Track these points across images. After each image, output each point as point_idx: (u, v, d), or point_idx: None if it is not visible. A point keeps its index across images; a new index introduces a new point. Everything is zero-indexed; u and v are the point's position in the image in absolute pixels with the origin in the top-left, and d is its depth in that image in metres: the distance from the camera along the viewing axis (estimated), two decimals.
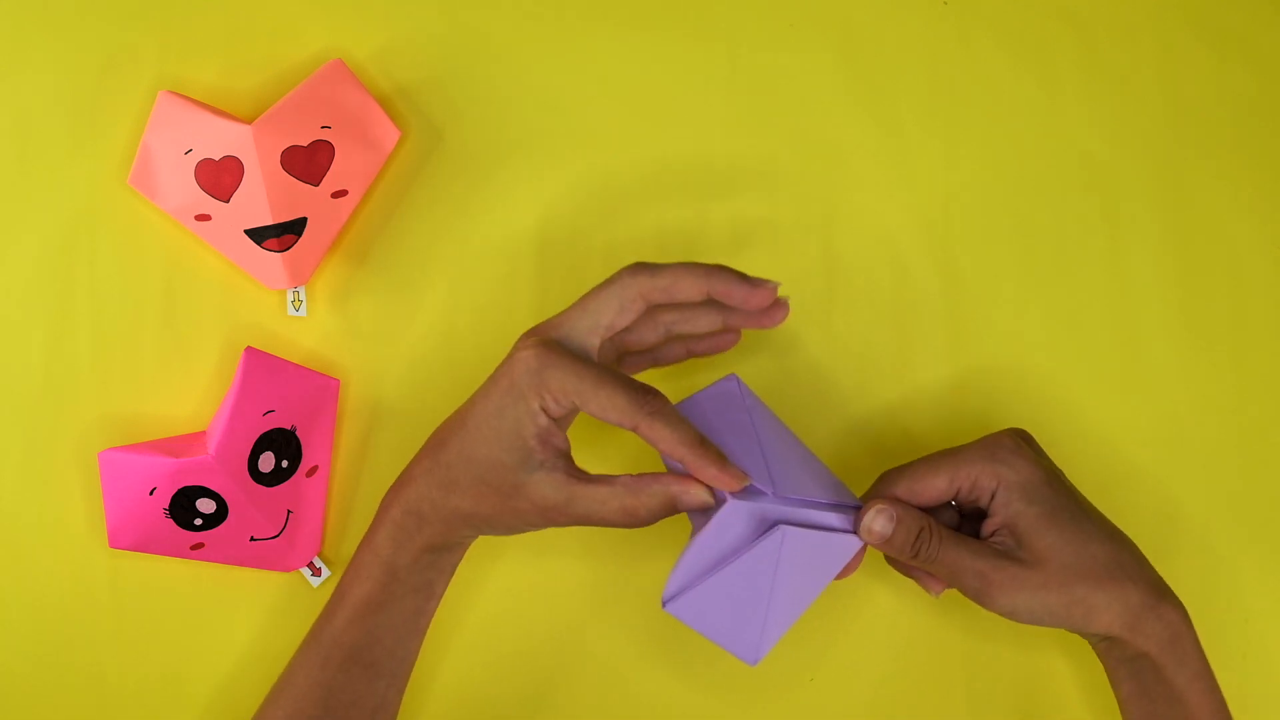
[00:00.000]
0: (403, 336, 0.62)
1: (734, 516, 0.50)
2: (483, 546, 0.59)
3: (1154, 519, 0.62)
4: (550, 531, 0.54)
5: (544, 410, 0.50)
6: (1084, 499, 0.55)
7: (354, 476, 0.62)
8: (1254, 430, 0.62)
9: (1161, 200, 0.63)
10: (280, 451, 0.59)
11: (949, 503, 0.55)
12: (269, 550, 0.60)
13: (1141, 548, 0.62)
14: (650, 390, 0.50)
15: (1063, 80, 0.63)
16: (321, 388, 0.60)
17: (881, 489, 0.55)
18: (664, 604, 0.51)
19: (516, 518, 0.52)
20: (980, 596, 0.52)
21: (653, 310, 0.55)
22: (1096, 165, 0.63)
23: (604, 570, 0.62)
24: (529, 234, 0.62)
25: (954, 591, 0.56)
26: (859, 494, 0.55)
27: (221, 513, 0.58)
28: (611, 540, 0.62)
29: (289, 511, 0.60)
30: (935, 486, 0.54)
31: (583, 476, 0.51)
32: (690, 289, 0.52)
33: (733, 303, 0.52)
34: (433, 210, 0.62)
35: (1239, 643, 0.62)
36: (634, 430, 0.49)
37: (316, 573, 0.61)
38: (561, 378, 0.50)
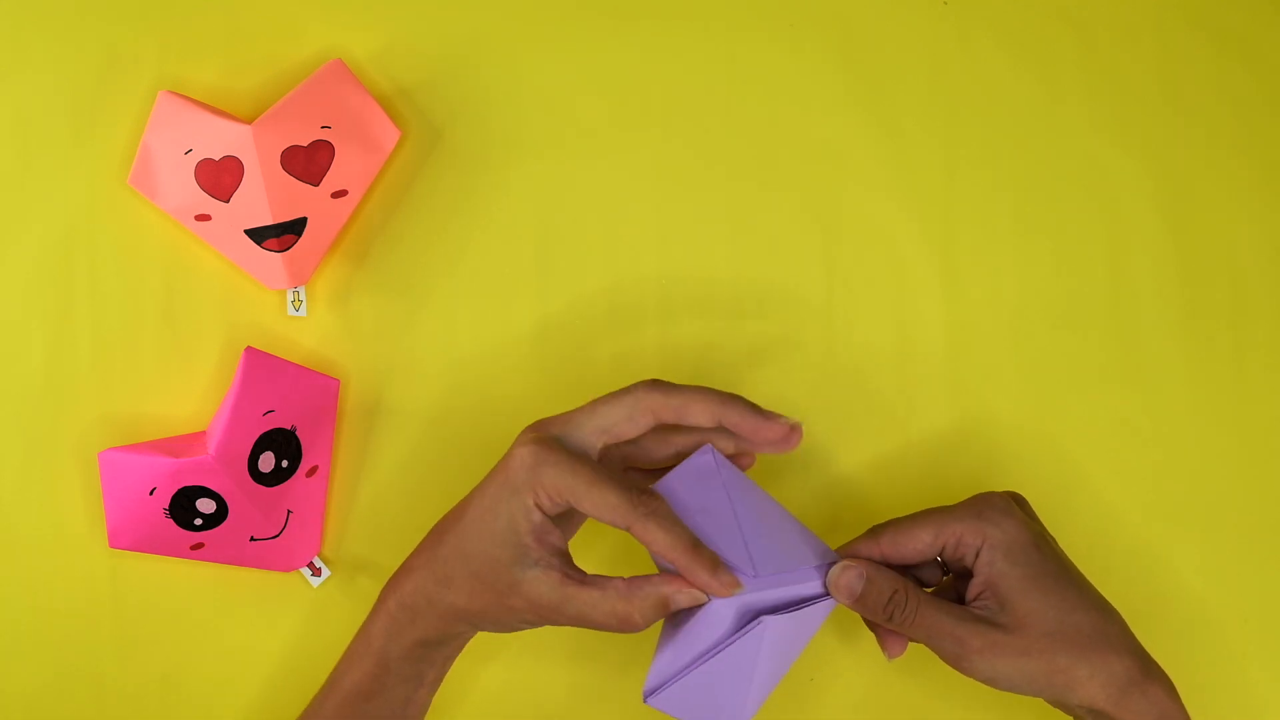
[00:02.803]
0: (403, 336, 0.62)
1: (719, 615, 0.50)
2: (472, 646, 0.58)
3: (1153, 519, 0.62)
4: (541, 632, 0.54)
5: (538, 507, 0.50)
6: (1072, 566, 0.54)
7: (354, 476, 0.62)
8: (1254, 430, 0.62)
9: (1161, 200, 0.63)
10: (280, 451, 0.59)
11: (935, 560, 0.55)
12: (269, 550, 0.60)
13: (1139, 548, 0.62)
14: (646, 491, 0.50)
15: (1063, 80, 0.63)
16: (321, 388, 0.60)
17: (867, 541, 0.54)
18: (645, 698, 0.51)
19: (511, 615, 0.51)
20: (958, 662, 0.51)
21: (666, 431, 0.54)
22: (1096, 165, 0.63)
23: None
24: (529, 234, 0.62)
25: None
26: (850, 535, 0.55)
27: (221, 513, 0.58)
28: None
29: (289, 511, 0.60)
30: (920, 540, 0.53)
31: (578, 577, 0.50)
32: (701, 414, 0.51)
33: (743, 435, 0.51)
34: (433, 210, 0.62)
35: (1238, 643, 0.62)
36: (628, 531, 0.49)
37: (316, 573, 0.61)
38: (556, 475, 0.50)
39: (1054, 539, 0.55)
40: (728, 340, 0.62)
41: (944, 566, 0.56)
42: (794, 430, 0.52)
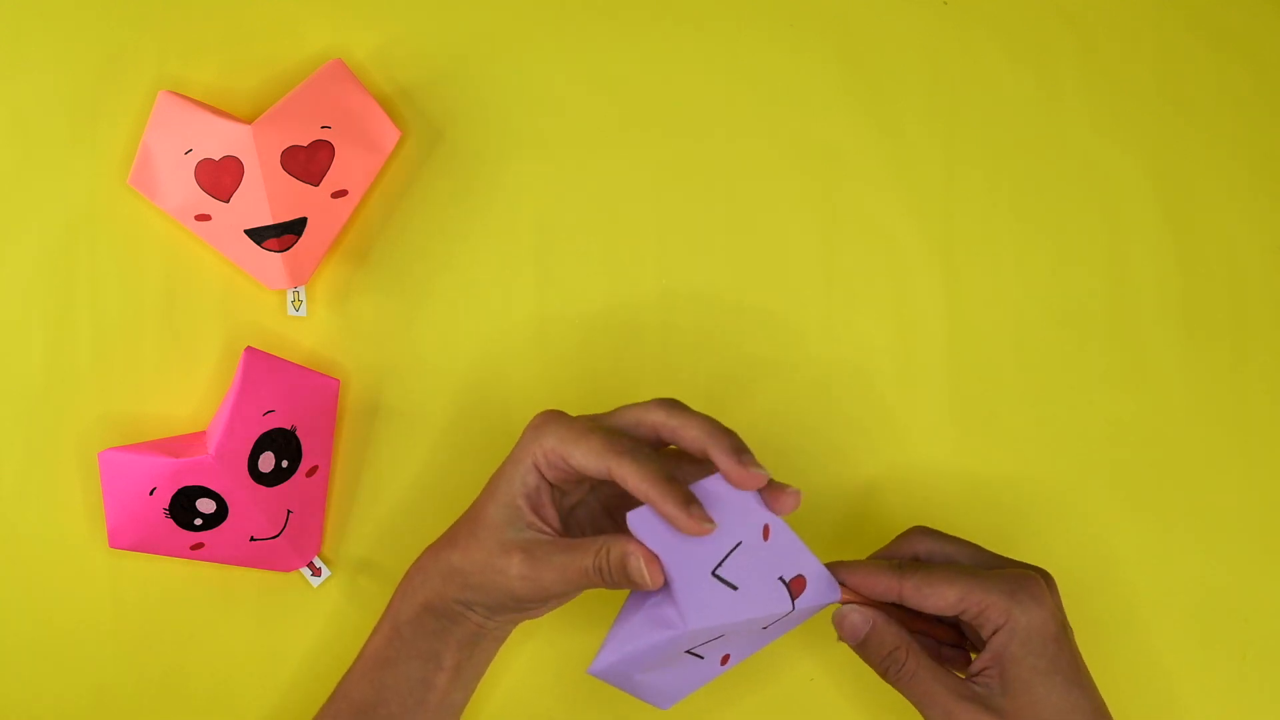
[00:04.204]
0: (403, 336, 0.62)
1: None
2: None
3: (1153, 519, 0.62)
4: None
5: (535, 467, 0.51)
6: (1083, 667, 0.53)
7: (354, 476, 0.62)
8: (1254, 430, 0.62)
9: (1161, 200, 0.63)
10: (280, 451, 0.59)
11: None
12: (269, 550, 0.60)
13: (1140, 547, 0.62)
14: (629, 437, 0.50)
15: (1063, 80, 0.63)
16: (321, 388, 0.60)
17: (890, 576, 0.53)
18: (590, 669, 0.51)
19: (491, 580, 0.51)
20: None
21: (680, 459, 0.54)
22: (1096, 165, 0.63)
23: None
24: (529, 234, 0.62)
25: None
26: (846, 542, 0.55)
27: (221, 513, 0.58)
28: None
29: (289, 511, 0.60)
30: (945, 597, 0.52)
31: (560, 541, 0.51)
32: (691, 442, 0.51)
33: (720, 471, 0.50)
34: (433, 210, 0.62)
35: (1238, 642, 0.62)
36: (609, 475, 0.49)
37: (316, 573, 0.61)
38: (555, 432, 0.51)
39: (1073, 633, 0.53)
40: (728, 340, 0.62)
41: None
42: (789, 494, 0.50)
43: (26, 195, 0.62)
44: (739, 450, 0.50)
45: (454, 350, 0.62)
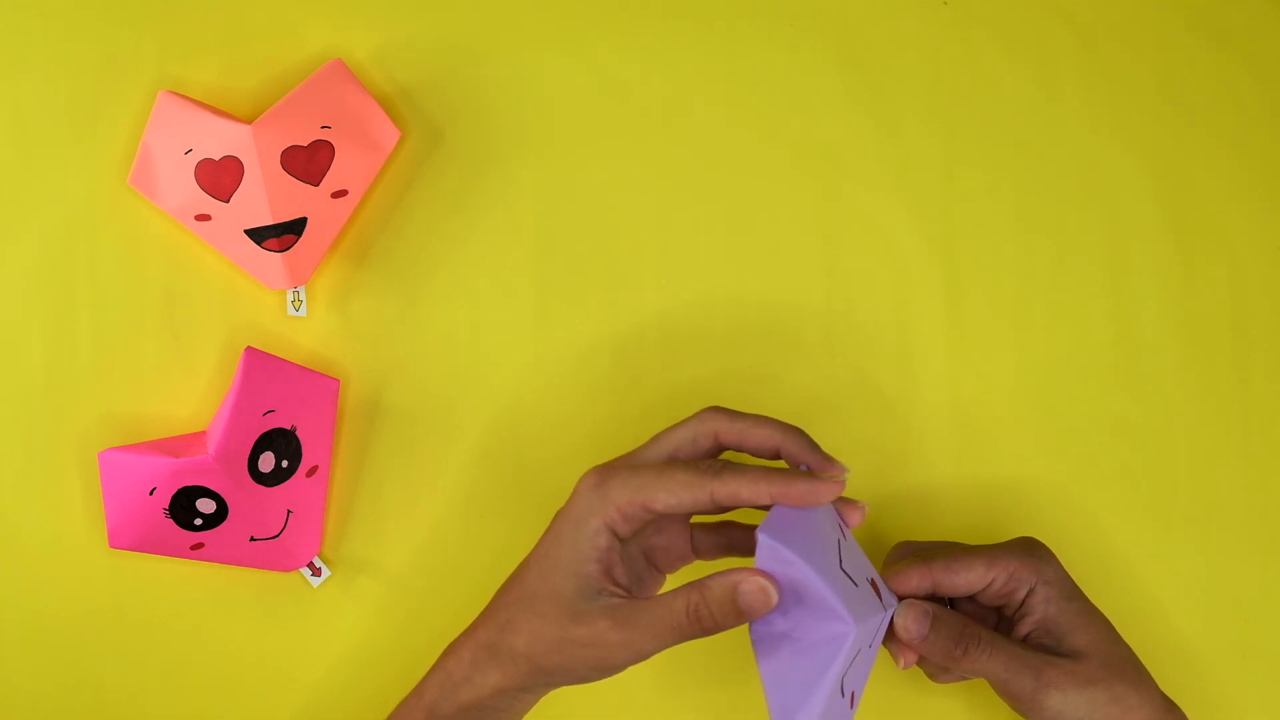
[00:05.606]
0: (403, 336, 0.62)
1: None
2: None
3: (1154, 519, 0.62)
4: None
5: (609, 527, 0.49)
6: None
7: (354, 476, 0.62)
8: (1254, 430, 0.62)
9: (1162, 201, 0.63)
10: (280, 451, 0.59)
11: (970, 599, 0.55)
12: (269, 550, 0.60)
13: (1140, 548, 0.62)
14: (710, 459, 0.49)
15: (1063, 80, 0.63)
16: (321, 388, 0.60)
17: (919, 569, 0.52)
18: None
19: (575, 653, 0.48)
20: (1033, 696, 0.51)
21: (719, 528, 0.54)
22: (1096, 165, 0.63)
23: None
24: (529, 234, 0.62)
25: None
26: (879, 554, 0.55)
27: (221, 513, 0.58)
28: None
29: (289, 511, 0.60)
30: (974, 570, 0.52)
31: (642, 599, 0.48)
32: (763, 440, 0.50)
33: (807, 465, 0.50)
34: (433, 210, 0.62)
35: (1238, 642, 0.62)
36: (711, 502, 0.47)
37: (316, 573, 0.61)
38: (623, 483, 0.49)
39: None
40: (728, 340, 0.62)
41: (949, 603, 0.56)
42: (858, 507, 0.51)
43: (26, 195, 0.62)
44: (815, 444, 0.50)
45: (454, 350, 0.62)
